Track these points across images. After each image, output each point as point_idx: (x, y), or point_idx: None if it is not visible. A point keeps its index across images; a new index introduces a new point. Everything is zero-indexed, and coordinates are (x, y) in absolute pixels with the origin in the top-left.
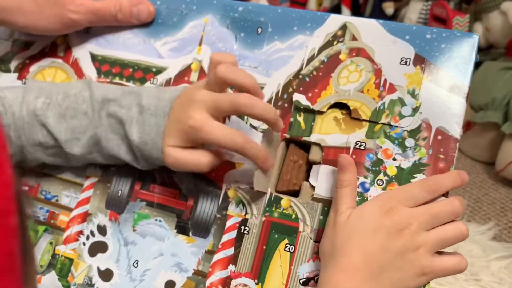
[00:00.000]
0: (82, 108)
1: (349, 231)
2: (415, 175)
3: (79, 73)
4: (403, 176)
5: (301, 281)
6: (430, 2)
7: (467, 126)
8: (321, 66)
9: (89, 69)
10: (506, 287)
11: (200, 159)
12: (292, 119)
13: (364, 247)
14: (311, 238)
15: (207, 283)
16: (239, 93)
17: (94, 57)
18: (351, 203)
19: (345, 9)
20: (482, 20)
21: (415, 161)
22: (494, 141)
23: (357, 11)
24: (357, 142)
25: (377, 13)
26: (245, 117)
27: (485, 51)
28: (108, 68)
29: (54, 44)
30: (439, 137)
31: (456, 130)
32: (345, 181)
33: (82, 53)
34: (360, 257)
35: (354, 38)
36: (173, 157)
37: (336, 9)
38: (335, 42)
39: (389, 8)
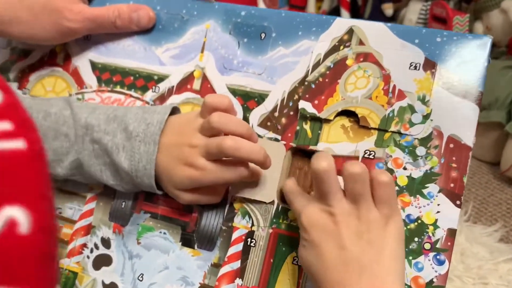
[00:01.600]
0: (63, 129)
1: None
2: (426, 185)
3: (80, 82)
4: (415, 186)
5: None
6: (430, 2)
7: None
8: (327, 72)
9: (90, 78)
10: None
11: (213, 198)
12: (298, 128)
13: (339, 257)
14: None
15: None
16: (224, 137)
17: (94, 65)
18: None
19: (344, 12)
20: (482, 19)
21: (426, 170)
22: (498, 141)
23: (356, 13)
24: (366, 151)
25: (377, 15)
26: (250, 125)
27: None
28: (109, 76)
29: (53, 52)
30: (451, 145)
31: (469, 138)
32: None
33: (82, 61)
34: (340, 269)
35: (361, 43)
36: (187, 200)
37: (335, 12)
38: (341, 47)
39: (388, 9)
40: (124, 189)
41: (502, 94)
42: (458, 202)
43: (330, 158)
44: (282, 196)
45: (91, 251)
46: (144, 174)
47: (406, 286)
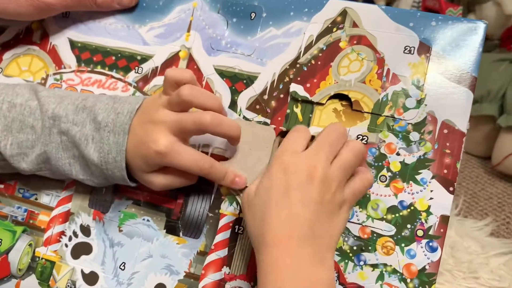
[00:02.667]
0: (29, 121)
1: (263, 204)
2: (420, 171)
3: (58, 61)
4: (408, 172)
5: None
6: None
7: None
8: (320, 54)
9: (68, 57)
10: (506, 284)
11: (187, 180)
12: (288, 111)
13: (283, 212)
14: None
15: (200, 286)
16: (202, 112)
17: (73, 44)
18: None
19: None
20: (475, 11)
21: (420, 156)
22: (489, 134)
23: None
24: (359, 136)
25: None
26: (238, 109)
27: None
28: (89, 56)
29: (29, 30)
30: (445, 131)
31: (462, 124)
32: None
33: (60, 39)
34: (284, 225)
35: (354, 25)
36: (160, 183)
37: None
38: (334, 29)
39: (380, 2)
40: (95, 184)
41: (494, 87)
42: (451, 189)
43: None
44: None
45: (70, 239)
46: (114, 166)
47: (398, 274)
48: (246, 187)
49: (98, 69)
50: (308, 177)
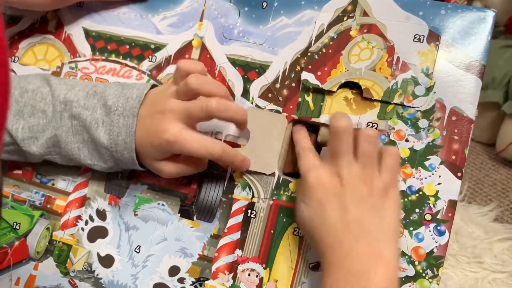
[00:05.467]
0: (41, 106)
1: (318, 204)
2: (428, 157)
3: (73, 50)
4: (416, 158)
5: (311, 265)
6: None
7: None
8: (331, 43)
9: (83, 46)
10: (509, 269)
11: (196, 167)
12: (300, 99)
13: (341, 217)
14: None
15: (213, 268)
16: (209, 98)
17: (88, 33)
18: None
19: None
20: None
21: (428, 142)
22: (494, 121)
23: None
24: (369, 123)
25: None
26: (251, 97)
27: None
28: (103, 44)
29: (45, 19)
30: (454, 118)
31: (470, 110)
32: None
33: (75, 29)
34: (341, 228)
35: (365, 14)
36: (170, 171)
37: None
38: (345, 18)
39: None
40: (102, 168)
41: (499, 74)
42: (459, 174)
43: (349, 118)
44: (284, 168)
45: (86, 223)
46: (124, 148)
47: (406, 257)
48: (266, 174)
49: (113, 57)
50: (363, 181)
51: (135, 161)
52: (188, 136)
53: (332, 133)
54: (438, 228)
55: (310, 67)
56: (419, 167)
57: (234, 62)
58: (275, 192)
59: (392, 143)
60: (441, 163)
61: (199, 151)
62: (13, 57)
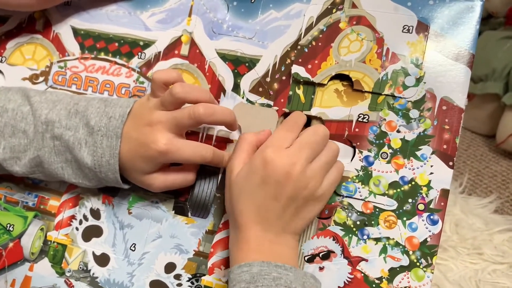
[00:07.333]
0: (21, 126)
1: (239, 189)
2: (420, 147)
3: (61, 49)
4: (408, 149)
5: (306, 258)
6: None
7: (467, 98)
8: (320, 35)
9: (72, 45)
10: (509, 260)
11: (185, 179)
12: (291, 93)
13: (254, 202)
14: None
15: (209, 263)
16: (195, 105)
17: (76, 32)
18: (244, 158)
19: None
20: None
21: (419, 132)
22: (494, 113)
23: None
24: (360, 115)
25: None
26: (242, 91)
27: (484, 21)
28: (92, 43)
29: (32, 19)
30: (444, 107)
31: (461, 100)
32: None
33: (63, 27)
34: (253, 212)
35: (354, 6)
36: (159, 184)
37: None
38: (334, 10)
39: None
40: (88, 186)
41: (499, 66)
42: (450, 163)
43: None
44: None
45: (80, 222)
46: (108, 169)
47: (400, 246)
48: None
49: (102, 55)
50: (286, 174)
51: (119, 181)
52: (179, 144)
53: (312, 131)
54: (431, 217)
55: (300, 60)
56: (411, 157)
57: (224, 56)
58: None
59: (384, 134)
60: (432, 153)
61: (192, 157)
62: (0, 58)
